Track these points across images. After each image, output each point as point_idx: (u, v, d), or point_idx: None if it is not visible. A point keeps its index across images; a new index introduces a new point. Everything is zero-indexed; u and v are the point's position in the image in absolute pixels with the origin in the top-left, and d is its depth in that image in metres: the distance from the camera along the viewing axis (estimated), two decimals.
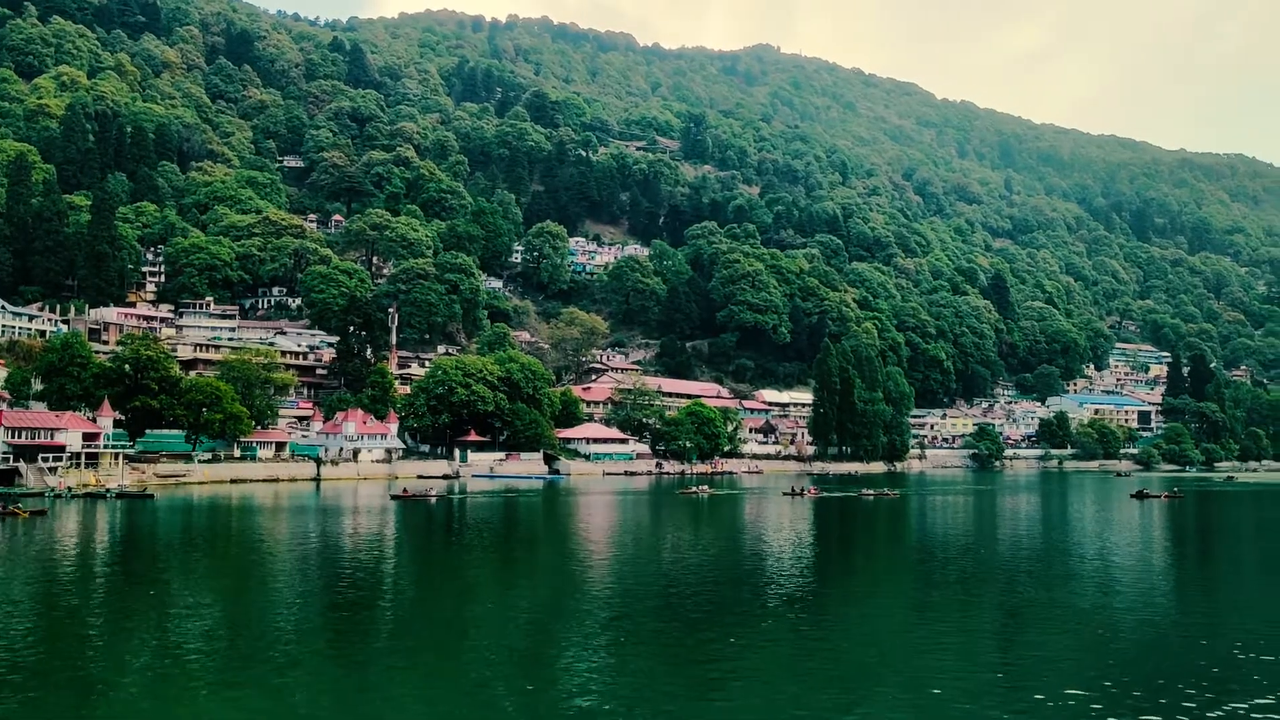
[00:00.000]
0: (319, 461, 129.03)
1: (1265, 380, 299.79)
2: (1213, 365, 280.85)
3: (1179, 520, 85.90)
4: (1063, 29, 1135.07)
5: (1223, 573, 54.34)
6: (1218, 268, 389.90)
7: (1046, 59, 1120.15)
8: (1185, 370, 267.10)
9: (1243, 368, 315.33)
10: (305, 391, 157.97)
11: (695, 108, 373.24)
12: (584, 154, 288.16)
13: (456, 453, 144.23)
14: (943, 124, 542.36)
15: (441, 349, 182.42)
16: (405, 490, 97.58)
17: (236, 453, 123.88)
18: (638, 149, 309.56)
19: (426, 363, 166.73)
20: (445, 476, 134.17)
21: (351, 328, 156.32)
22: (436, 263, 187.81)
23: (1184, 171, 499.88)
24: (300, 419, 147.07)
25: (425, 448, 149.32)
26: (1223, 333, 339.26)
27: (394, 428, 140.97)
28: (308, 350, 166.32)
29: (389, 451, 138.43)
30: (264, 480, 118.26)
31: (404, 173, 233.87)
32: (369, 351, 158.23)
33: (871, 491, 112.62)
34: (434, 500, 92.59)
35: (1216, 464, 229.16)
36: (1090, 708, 23.46)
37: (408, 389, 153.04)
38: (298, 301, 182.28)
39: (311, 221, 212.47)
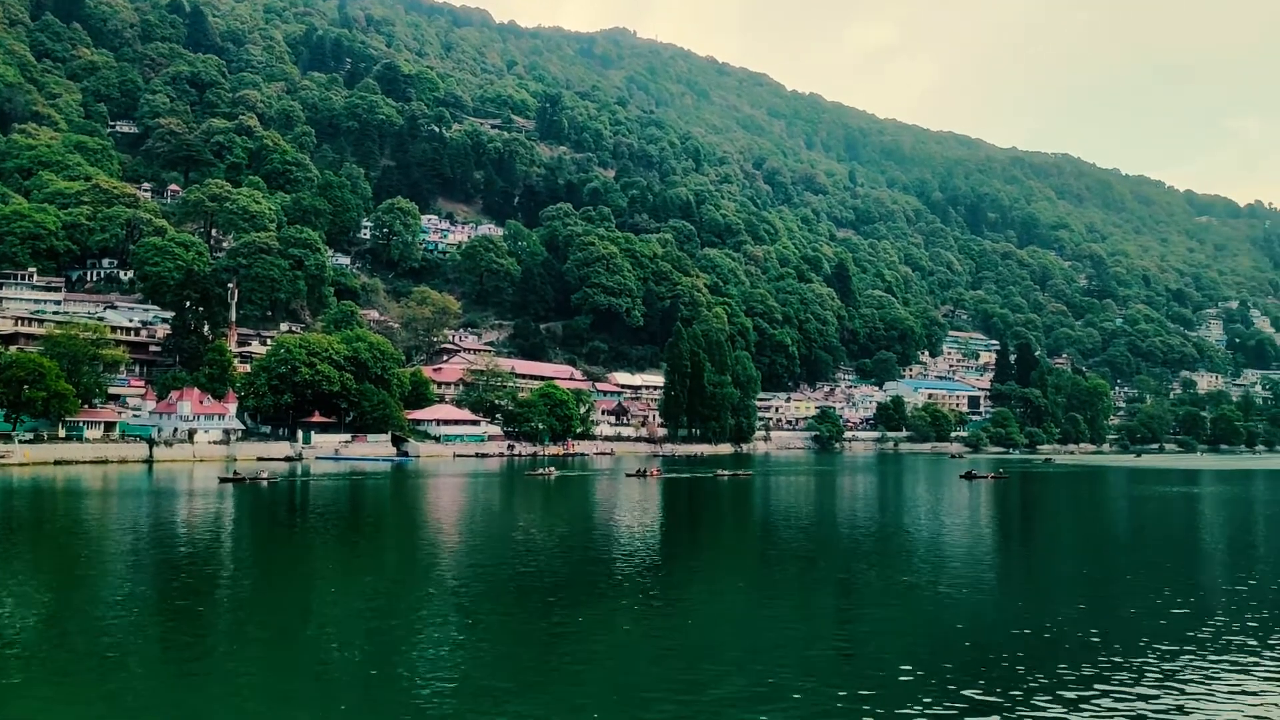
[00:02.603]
0: (151, 442, 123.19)
1: (1084, 368, 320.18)
2: (1037, 353, 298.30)
3: (1004, 500, 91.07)
4: (907, 28, 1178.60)
5: (1041, 550, 58.05)
6: (1044, 261, 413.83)
7: (891, 56, 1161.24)
8: (1012, 358, 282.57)
9: (1064, 356, 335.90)
10: (137, 369, 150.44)
11: (551, 88, 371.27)
12: (437, 130, 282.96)
13: (300, 434, 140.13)
14: (792, 115, 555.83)
15: (284, 326, 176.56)
16: (235, 473, 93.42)
17: (61, 433, 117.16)
18: (493, 127, 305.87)
19: (268, 340, 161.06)
20: (288, 458, 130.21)
21: (188, 303, 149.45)
22: (280, 237, 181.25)
23: (1015, 169, 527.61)
24: (132, 398, 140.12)
25: (266, 429, 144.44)
26: (1047, 323, 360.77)
27: (233, 408, 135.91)
28: (140, 326, 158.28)
29: (227, 432, 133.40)
30: (92, 462, 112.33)
31: (246, 142, 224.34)
32: (206, 328, 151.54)
33: (725, 472, 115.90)
34: (267, 483, 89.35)
35: (1039, 447, 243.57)
36: (922, 682, 24.82)
37: (248, 367, 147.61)
38: (130, 274, 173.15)
39: (146, 191, 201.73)
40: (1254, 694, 23.78)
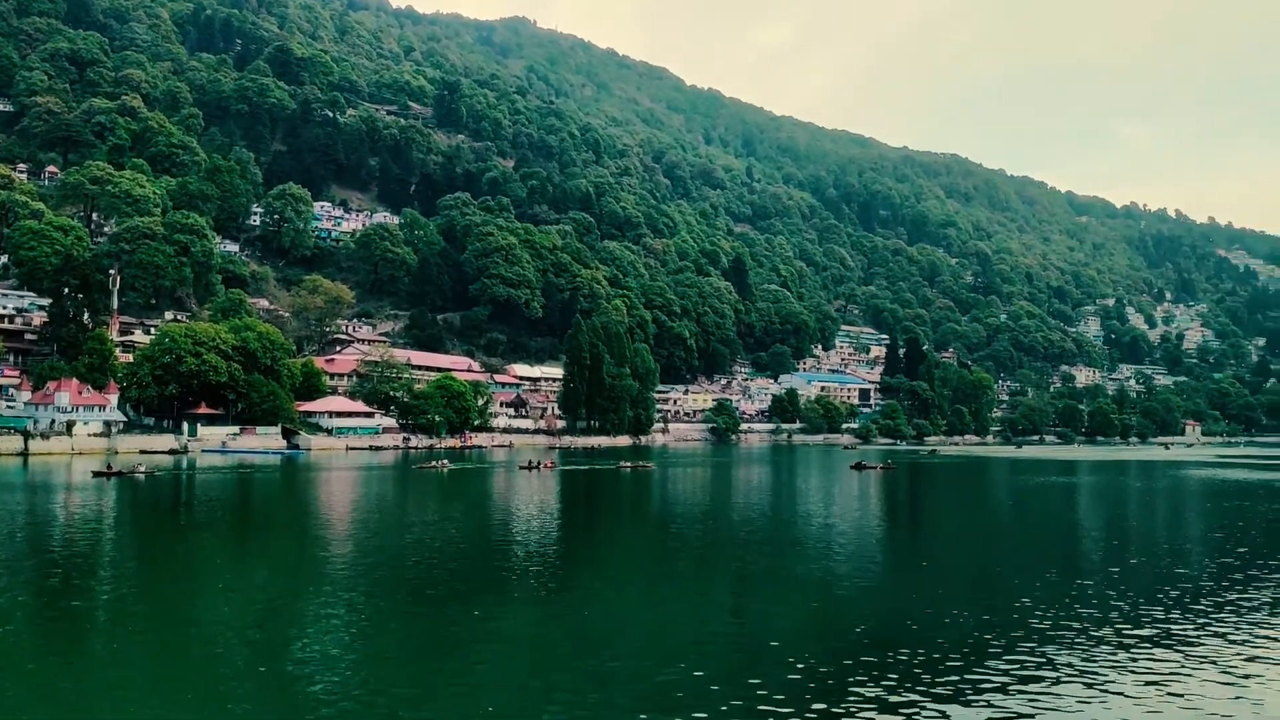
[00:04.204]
0: (27, 435, 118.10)
1: (969, 362, 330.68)
2: (925, 347, 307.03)
3: (892, 490, 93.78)
4: (804, 27, 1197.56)
5: (928, 539, 60.04)
6: (932, 258, 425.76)
7: (788, 55, 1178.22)
8: (901, 352, 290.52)
9: (951, 350, 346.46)
10: (12, 358, 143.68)
11: (450, 75, 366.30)
12: (331, 115, 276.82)
13: (185, 426, 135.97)
14: (691, 110, 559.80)
15: (170, 315, 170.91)
16: (109, 467, 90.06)
17: None
18: (389, 113, 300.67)
19: (152, 329, 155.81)
20: (172, 451, 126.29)
21: (66, 290, 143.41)
22: (165, 222, 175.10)
23: (906, 168, 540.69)
24: (6, 388, 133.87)
25: (150, 421, 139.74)
26: (935, 318, 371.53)
27: (114, 399, 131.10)
28: (15, 313, 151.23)
29: (108, 424, 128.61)
30: None
31: (130, 124, 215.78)
32: (86, 316, 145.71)
33: (628, 464, 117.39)
34: (144, 476, 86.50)
35: (926, 438, 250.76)
36: (813, 671, 25.55)
37: (130, 357, 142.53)
38: (4, 259, 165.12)
39: (21, 172, 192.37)
40: (1129, 676, 25.19)
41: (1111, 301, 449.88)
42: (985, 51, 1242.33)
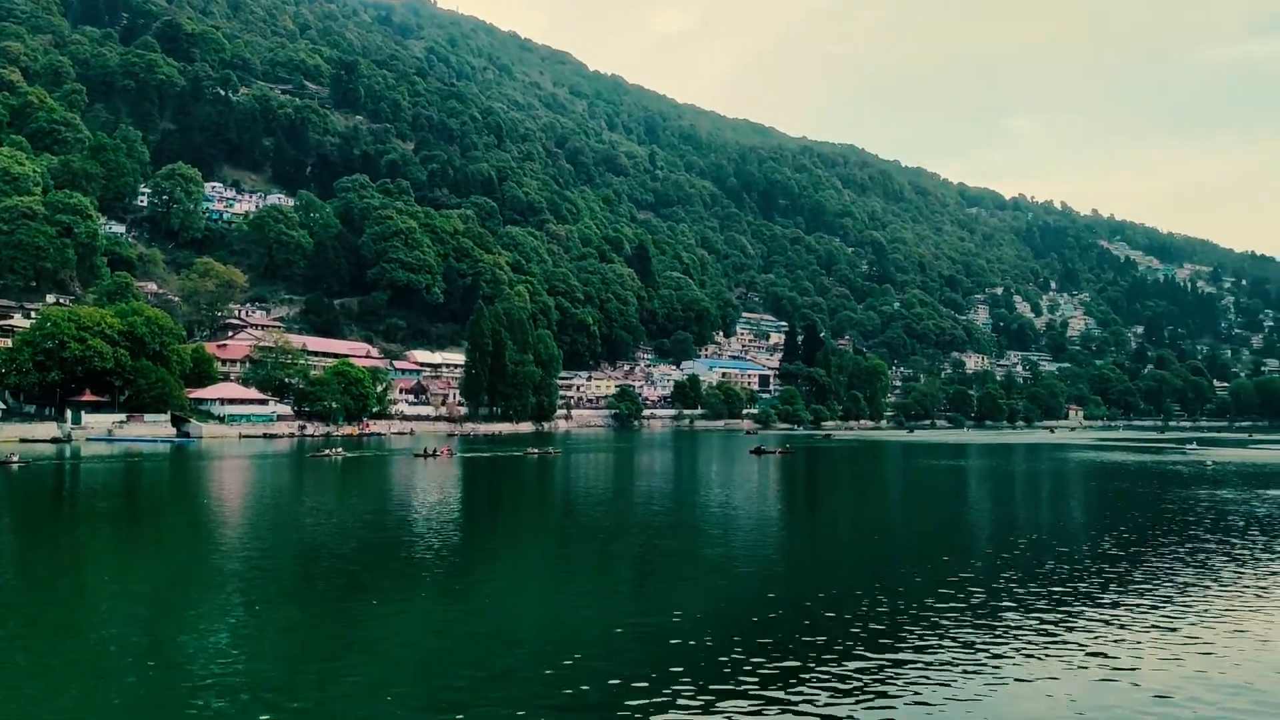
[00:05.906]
0: None
1: (865, 349, 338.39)
2: (823, 334, 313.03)
3: (790, 473, 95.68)
4: (706, 14, 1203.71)
5: (825, 521, 61.48)
6: (829, 247, 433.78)
7: (691, 42, 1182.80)
8: (800, 339, 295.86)
9: (847, 337, 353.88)
10: None
11: (348, 55, 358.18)
12: (223, 93, 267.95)
13: (69, 414, 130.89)
14: (594, 96, 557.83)
15: (51, 298, 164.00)
16: None
17: None
18: (284, 92, 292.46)
19: (33, 313, 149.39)
20: (55, 440, 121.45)
21: None
22: (46, 201, 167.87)
23: (805, 158, 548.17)
24: None
25: (31, 408, 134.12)
26: (831, 305, 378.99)
27: None
28: None
29: None
30: None
31: (8, 99, 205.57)
32: None
33: (535, 450, 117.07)
34: (17, 466, 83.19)
35: (823, 423, 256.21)
36: (714, 657, 26.04)
37: (9, 342, 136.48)
38: None
39: None
40: (1018, 656, 26.34)
41: (1000, 290, 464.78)
42: (882, 44, 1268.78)
